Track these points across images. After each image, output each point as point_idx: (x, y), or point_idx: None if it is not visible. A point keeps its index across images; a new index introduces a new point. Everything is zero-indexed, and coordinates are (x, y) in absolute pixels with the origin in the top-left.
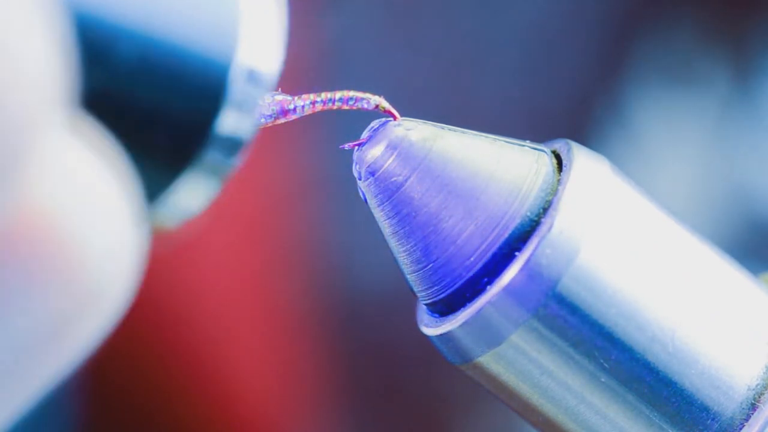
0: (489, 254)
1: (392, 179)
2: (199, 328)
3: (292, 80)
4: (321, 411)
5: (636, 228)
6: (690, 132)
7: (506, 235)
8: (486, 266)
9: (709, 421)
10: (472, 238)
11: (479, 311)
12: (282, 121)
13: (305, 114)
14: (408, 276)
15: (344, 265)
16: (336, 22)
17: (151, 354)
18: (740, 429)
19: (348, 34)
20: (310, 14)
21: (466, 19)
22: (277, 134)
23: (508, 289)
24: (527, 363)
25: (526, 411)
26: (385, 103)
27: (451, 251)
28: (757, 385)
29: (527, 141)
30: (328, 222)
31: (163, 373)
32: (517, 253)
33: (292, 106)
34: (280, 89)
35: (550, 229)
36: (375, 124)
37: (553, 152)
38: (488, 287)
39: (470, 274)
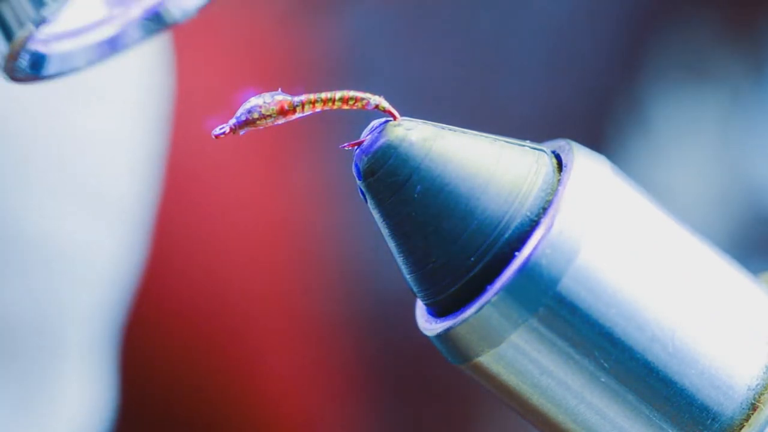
0: (489, 255)
1: (392, 179)
2: (226, 328)
3: (309, 81)
4: (345, 408)
5: (636, 228)
6: (705, 127)
7: (506, 236)
8: (486, 266)
9: (708, 421)
10: (472, 239)
11: (479, 311)
12: (282, 121)
13: (305, 114)
14: (408, 276)
15: (370, 264)
16: (353, 23)
17: (178, 354)
18: (740, 429)
19: (365, 36)
20: (327, 16)
21: (484, 18)
22: (304, 137)
23: (507, 290)
24: (527, 363)
25: (526, 411)
26: (385, 103)
27: (451, 251)
28: (757, 385)
29: (527, 141)
30: (352, 223)
31: (190, 370)
32: (516, 254)
33: (292, 106)
34: (280, 89)
35: (549, 229)
36: (375, 123)
37: (554, 152)
38: (488, 287)
39: (470, 274)
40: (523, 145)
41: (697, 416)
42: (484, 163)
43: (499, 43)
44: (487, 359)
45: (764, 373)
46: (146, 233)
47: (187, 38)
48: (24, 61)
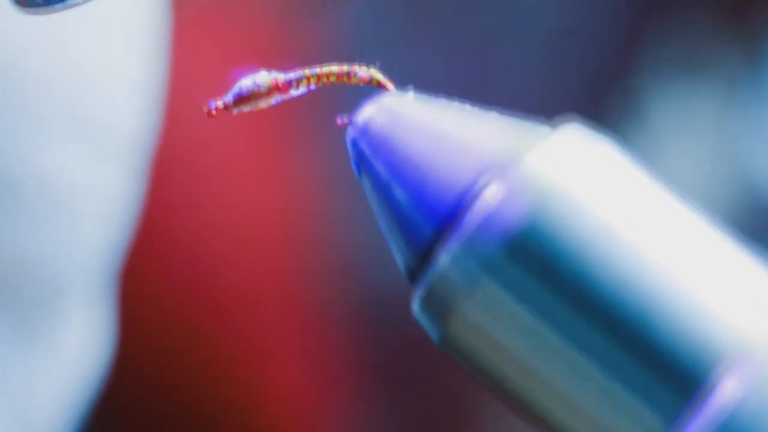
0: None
1: (380, 136)
2: (226, 323)
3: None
4: (342, 403)
5: (611, 188)
6: (702, 119)
7: (469, 192)
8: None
9: (675, 394)
10: (445, 192)
11: (437, 272)
12: (277, 99)
13: (300, 92)
14: (393, 249)
15: (369, 260)
16: (351, 17)
17: (172, 348)
18: (701, 408)
19: (365, 26)
20: (325, 9)
21: (482, 12)
22: (303, 130)
23: (462, 243)
24: (495, 323)
25: (509, 390)
26: (379, 76)
27: (419, 209)
28: (724, 351)
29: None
30: (354, 218)
31: (183, 364)
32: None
33: (286, 83)
34: (275, 70)
35: (511, 180)
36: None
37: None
38: (445, 244)
39: (436, 232)
40: (516, 119)
41: (661, 388)
42: (469, 124)
43: (497, 37)
44: (457, 325)
45: (737, 337)
46: (147, 171)
47: (184, 31)
48: None
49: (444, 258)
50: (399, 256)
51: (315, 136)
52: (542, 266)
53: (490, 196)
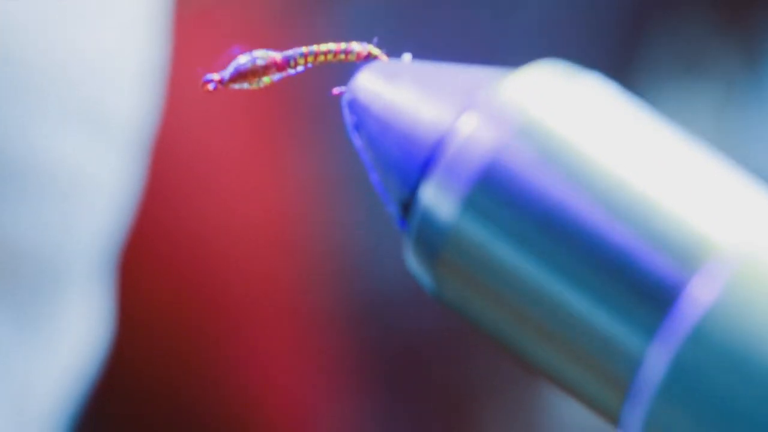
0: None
1: (370, 94)
2: (225, 324)
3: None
4: (340, 402)
5: (583, 111)
6: (700, 120)
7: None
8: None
9: (650, 307)
10: (427, 135)
11: (419, 215)
12: (274, 77)
13: (298, 69)
14: (389, 203)
15: (367, 259)
16: (348, 17)
17: (168, 350)
18: (675, 317)
19: (361, 29)
20: (322, 9)
21: (479, 13)
22: (302, 134)
23: (438, 180)
24: (474, 258)
25: (496, 325)
26: (376, 50)
27: (404, 153)
28: (695, 258)
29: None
30: (353, 221)
31: (181, 367)
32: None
33: (285, 60)
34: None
35: (482, 111)
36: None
37: None
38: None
39: (419, 171)
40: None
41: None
42: (453, 74)
43: (495, 36)
44: (443, 267)
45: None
46: (146, 161)
47: (182, 32)
48: None
49: (424, 198)
50: (393, 210)
51: (315, 139)
52: (515, 195)
53: (462, 129)
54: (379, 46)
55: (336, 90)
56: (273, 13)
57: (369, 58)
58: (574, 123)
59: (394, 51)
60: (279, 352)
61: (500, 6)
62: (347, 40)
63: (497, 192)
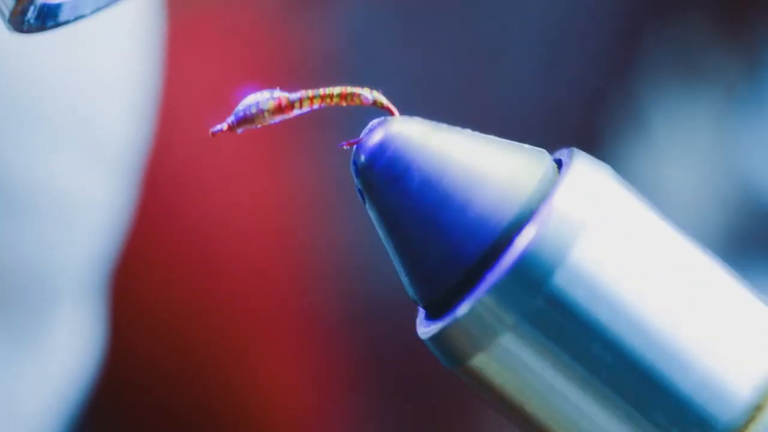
0: (484, 248)
1: (390, 171)
2: (225, 325)
3: (305, 75)
4: (341, 406)
5: (631, 233)
6: (700, 124)
7: (501, 230)
8: (481, 262)
9: None
10: (468, 231)
11: (469, 311)
12: (280, 119)
13: (303, 111)
14: (405, 278)
15: (367, 265)
16: (349, 18)
17: (174, 352)
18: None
19: (362, 31)
20: (323, 10)
21: (480, 15)
22: (302, 139)
23: (497, 288)
24: (519, 366)
25: (521, 419)
26: (383, 99)
27: (447, 244)
28: (756, 396)
29: (526, 145)
30: (350, 224)
31: (182, 370)
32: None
33: (289, 103)
34: (278, 88)
35: (542, 226)
36: (373, 123)
37: (556, 160)
38: (478, 287)
39: (461, 274)
40: (522, 146)
41: (691, 429)
42: (482, 158)
43: (496, 41)
44: (479, 362)
45: (763, 387)
46: (138, 181)
47: (182, 33)
48: (31, 13)
49: (477, 302)
50: (410, 284)
51: (315, 139)
52: (573, 315)
53: (522, 244)
54: (380, 48)
55: (344, 144)
56: (272, 13)
57: (375, 105)
58: (617, 249)
59: (395, 52)
60: (279, 353)
61: (501, 8)
62: (344, 35)
63: (556, 311)
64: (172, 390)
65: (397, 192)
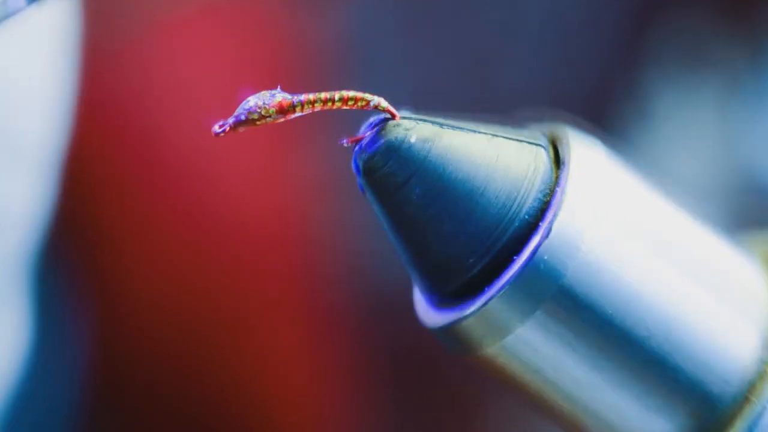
0: (488, 256)
1: (392, 180)
2: (231, 324)
3: (308, 71)
4: (344, 401)
5: (634, 220)
6: (705, 112)
7: (505, 238)
8: (485, 267)
9: (704, 411)
10: (471, 240)
11: (485, 306)
12: (281, 120)
13: (305, 113)
14: (407, 268)
15: (370, 258)
16: (353, 13)
17: (179, 352)
18: (733, 420)
19: (366, 26)
20: (327, 5)
21: (485, 7)
22: (304, 130)
23: (513, 284)
24: (531, 354)
25: (530, 398)
26: (384, 103)
27: (450, 252)
28: (751, 378)
29: (525, 132)
30: (360, 221)
31: (184, 369)
32: (515, 258)
33: (291, 106)
34: (279, 87)
35: (550, 227)
36: (374, 119)
37: (551, 142)
38: (495, 282)
39: (469, 274)
40: (521, 140)
41: (694, 405)
42: (483, 165)
43: (501, 31)
44: (490, 352)
45: (758, 365)
46: (56, 181)
47: (185, 27)
48: None
49: (495, 296)
50: (419, 278)
51: (320, 138)
52: (582, 308)
53: (538, 240)
54: (384, 42)
55: (345, 141)
56: (275, 9)
57: (377, 109)
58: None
59: (399, 45)
60: (286, 351)
61: (504, 2)
62: (349, 30)
63: (570, 303)
64: (174, 387)
65: (399, 201)
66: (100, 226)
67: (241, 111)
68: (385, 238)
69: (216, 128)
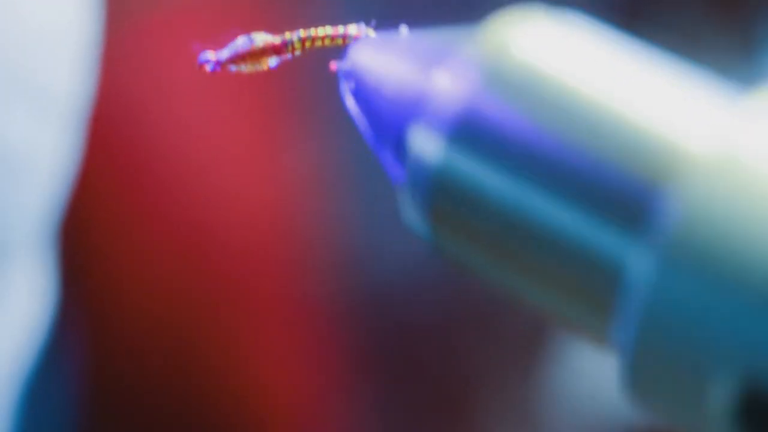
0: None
1: (367, 59)
2: (223, 317)
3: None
4: (343, 403)
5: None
6: None
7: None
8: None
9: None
10: (412, 91)
11: (409, 167)
12: (271, 61)
13: (296, 53)
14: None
15: (368, 253)
16: (337, 10)
17: (170, 348)
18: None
19: (353, 8)
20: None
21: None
22: (303, 125)
23: (419, 131)
24: (461, 203)
25: (492, 269)
26: (373, 33)
27: (400, 109)
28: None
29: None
30: (352, 212)
31: (177, 360)
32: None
33: (280, 42)
34: (264, 31)
35: (457, 62)
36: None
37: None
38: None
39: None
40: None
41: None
42: (434, 35)
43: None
44: (435, 213)
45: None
46: (84, 133)
47: (180, 18)
48: None
49: (411, 150)
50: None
51: (316, 130)
52: (490, 133)
53: (439, 81)
54: (376, 27)
55: (333, 64)
56: (264, 4)
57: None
58: (542, 57)
59: (390, 29)
60: (277, 344)
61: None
62: (343, 18)
63: (475, 130)
64: (168, 385)
65: (365, 82)
66: (89, 225)
67: (231, 46)
68: (376, 235)
69: (202, 58)
